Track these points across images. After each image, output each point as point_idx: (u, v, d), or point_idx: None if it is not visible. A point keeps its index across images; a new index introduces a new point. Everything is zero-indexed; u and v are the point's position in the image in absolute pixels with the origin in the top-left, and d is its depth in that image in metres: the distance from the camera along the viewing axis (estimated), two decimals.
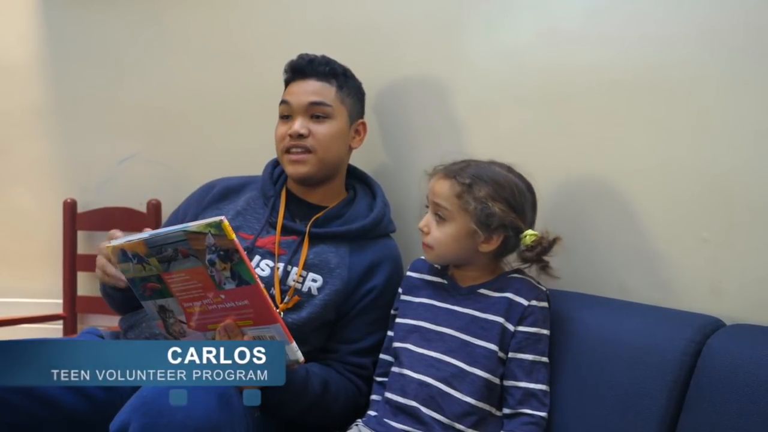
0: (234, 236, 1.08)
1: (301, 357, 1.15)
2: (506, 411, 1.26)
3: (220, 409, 1.08)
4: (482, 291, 1.32)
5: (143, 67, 2.11)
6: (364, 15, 1.78)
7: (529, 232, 1.28)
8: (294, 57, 1.53)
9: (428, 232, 1.32)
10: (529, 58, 1.54)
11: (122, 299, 1.42)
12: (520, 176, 1.32)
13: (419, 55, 1.70)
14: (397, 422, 1.27)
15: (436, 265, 1.39)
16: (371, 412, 1.35)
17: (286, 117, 1.50)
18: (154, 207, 2.07)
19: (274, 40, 1.90)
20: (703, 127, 1.33)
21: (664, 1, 1.38)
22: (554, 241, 1.28)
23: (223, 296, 1.13)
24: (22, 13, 2.22)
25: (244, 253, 1.09)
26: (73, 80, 2.20)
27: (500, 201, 1.27)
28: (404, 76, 1.72)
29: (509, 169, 1.32)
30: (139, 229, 1.22)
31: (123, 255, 1.18)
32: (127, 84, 2.13)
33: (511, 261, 1.38)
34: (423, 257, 1.41)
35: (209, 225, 1.08)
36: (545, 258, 1.29)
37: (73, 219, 2.17)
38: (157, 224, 2.02)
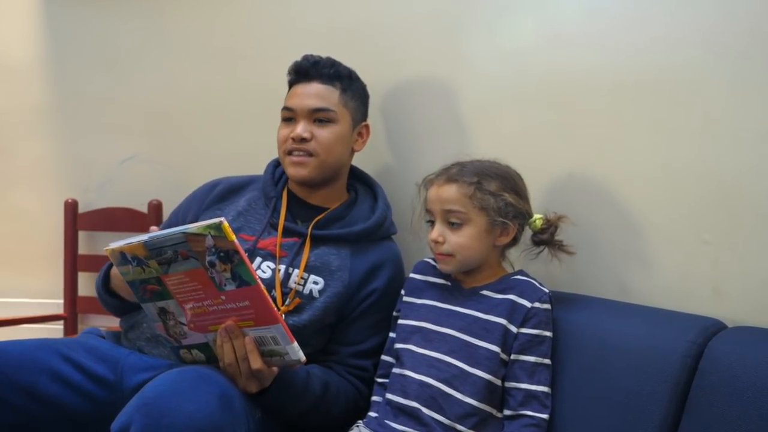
0: (234, 237, 1.07)
1: (302, 357, 1.15)
2: (507, 412, 1.26)
3: (221, 410, 1.08)
4: (485, 292, 1.32)
5: (144, 68, 2.11)
6: (365, 16, 1.77)
7: (537, 216, 1.32)
8: (298, 58, 1.52)
9: (443, 241, 1.31)
10: (532, 60, 1.54)
11: (117, 305, 1.42)
12: (508, 166, 1.35)
13: (421, 57, 1.70)
14: (397, 423, 1.27)
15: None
16: (372, 413, 1.35)
17: (288, 120, 1.49)
18: (155, 207, 2.07)
19: (275, 40, 1.89)
20: (705, 129, 1.33)
21: (667, 3, 1.37)
22: (560, 218, 1.32)
23: (223, 297, 1.13)
24: (23, 13, 2.22)
25: (244, 254, 1.08)
26: (74, 80, 2.20)
27: (509, 191, 1.29)
28: (406, 78, 1.72)
29: (497, 162, 1.35)
30: (141, 230, 1.21)
31: (122, 258, 1.17)
32: (129, 84, 2.13)
33: (514, 260, 1.39)
34: (426, 259, 1.41)
35: (209, 227, 1.08)
36: (557, 238, 1.33)
37: (75, 219, 2.18)
38: (158, 225, 2.02)
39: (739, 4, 1.30)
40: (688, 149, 1.35)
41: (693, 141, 1.34)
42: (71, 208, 2.17)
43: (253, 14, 1.94)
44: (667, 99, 1.37)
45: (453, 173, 1.32)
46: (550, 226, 1.32)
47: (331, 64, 1.50)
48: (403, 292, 1.42)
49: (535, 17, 1.54)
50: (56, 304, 2.19)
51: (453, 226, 1.30)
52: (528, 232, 1.35)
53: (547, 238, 1.32)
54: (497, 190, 1.29)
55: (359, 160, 1.61)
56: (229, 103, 1.99)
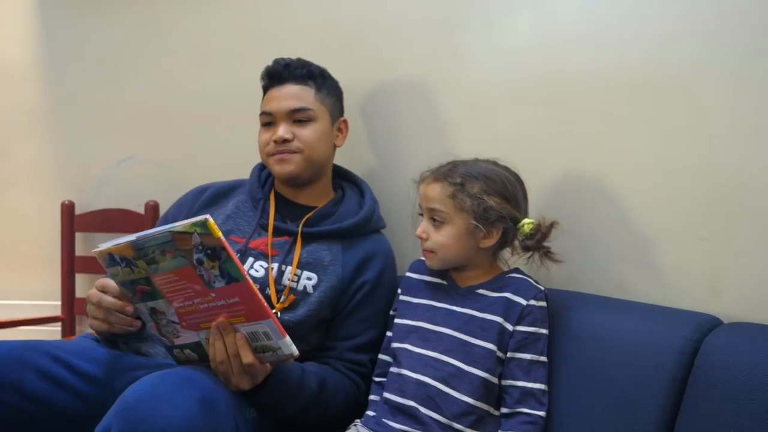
0: (220, 234, 1.07)
1: (295, 351, 1.15)
2: (504, 410, 1.25)
3: (201, 414, 1.06)
4: (481, 291, 1.31)
5: (141, 68, 2.12)
6: (361, 16, 1.77)
7: (526, 220, 1.30)
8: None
9: (427, 238, 1.31)
10: (527, 57, 1.54)
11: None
12: (506, 168, 1.33)
13: (416, 56, 1.70)
14: (395, 422, 1.27)
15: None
16: (370, 413, 1.35)
17: (268, 124, 1.50)
18: (153, 208, 2.07)
19: (272, 40, 1.89)
20: (702, 126, 1.33)
21: (664, 0, 1.37)
22: (552, 225, 1.30)
23: (213, 295, 1.12)
24: (20, 14, 2.22)
25: (231, 251, 1.08)
26: (71, 81, 2.20)
27: (494, 194, 1.28)
28: (401, 76, 1.72)
29: (495, 163, 1.34)
30: (138, 231, 1.21)
31: (111, 259, 1.17)
32: (126, 85, 2.14)
33: (508, 260, 1.38)
34: (422, 258, 1.41)
35: (195, 224, 1.08)
36: (546, 244, 1.30)
37: (72, 220, 2.18)
38: (154, 226, 2.02)
39: (737, 0, 1.29)
40: (685, 146, 1.34)
41: (690, 138, 1.34)
42: (68, 209, 2.17)
43: (249, 15, 1.95)
44: (662, 95, 1.37)
45: (441, 172, 1.32)
46: (538, 232, 1.29)
47: (303, 64, 1.51)
48: (399, 290, 1.42)
49: (530, 15, 1.54)
50: (54, 305, 2.18)
51: (436, 223, 1.31)
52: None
53: (532, 244, 1.30)
54: (479, 193, 1.27)
55: (352, 159, 1.61)
56: (225, 104, 1.99)
